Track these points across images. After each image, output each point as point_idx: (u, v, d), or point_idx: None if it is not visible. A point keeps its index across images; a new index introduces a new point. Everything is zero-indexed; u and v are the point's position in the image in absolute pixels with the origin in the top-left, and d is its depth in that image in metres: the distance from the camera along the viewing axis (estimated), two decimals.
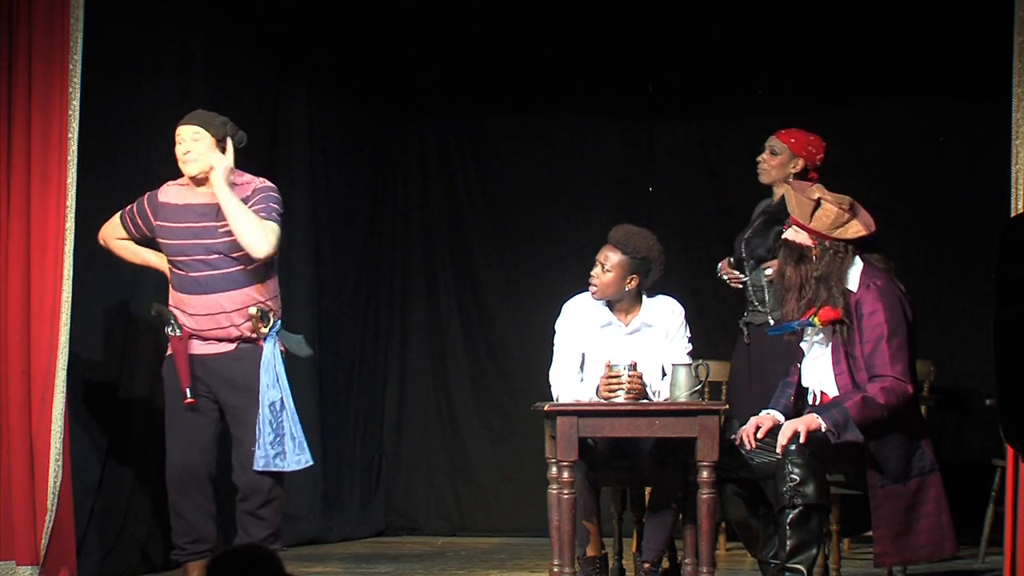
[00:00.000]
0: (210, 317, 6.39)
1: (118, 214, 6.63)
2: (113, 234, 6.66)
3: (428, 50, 9.10)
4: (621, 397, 6.22)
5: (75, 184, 6.56)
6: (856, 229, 5.99)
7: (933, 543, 5.95)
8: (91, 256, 6.85)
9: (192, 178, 6.47)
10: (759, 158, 7.02)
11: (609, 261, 6.43)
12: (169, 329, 6.45)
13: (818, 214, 5.99)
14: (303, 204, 8.66)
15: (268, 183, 6.52)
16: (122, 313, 7.40)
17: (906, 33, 8.49)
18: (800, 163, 6.94)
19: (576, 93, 9.09)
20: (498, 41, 9.06)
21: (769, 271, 6.83)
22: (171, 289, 6.51)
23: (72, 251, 6.54)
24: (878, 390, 5.83)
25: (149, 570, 7.37)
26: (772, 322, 6.82)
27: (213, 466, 6.52)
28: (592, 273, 6.46)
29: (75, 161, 6.57)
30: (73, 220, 6.55)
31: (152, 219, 6.52)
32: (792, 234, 6.04)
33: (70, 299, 6.54)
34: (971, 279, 8.39)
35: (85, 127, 6.62)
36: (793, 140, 6.95)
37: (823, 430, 5.81)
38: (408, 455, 9.33)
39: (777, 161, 6.96)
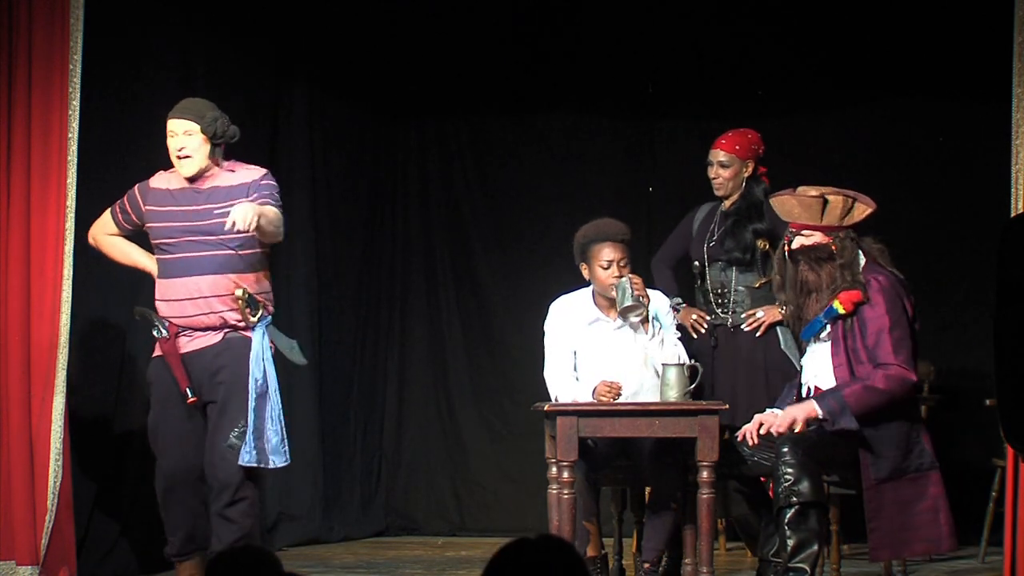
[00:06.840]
0: (192, 302, 6.23)
1: (108, 210, 6.50)
2: (103, 230, 6.49)
3: (428, 50, 9.10)
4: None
5: (75, 184, 6.57)
6: (862, 209, 6.04)
7: (928, 539, 5.95)
8: (91, 256, 6.85)
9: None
10: (712, 175, 6.92)
11: (625, 258, 6.42)
12: (155, 331, 6.32)
13: (828, 210, 6.01)
14: (303, 204, 8.65)
15: (263, 171, 6.42)
16: (122, 312, 7.39)
17: (905, 33, 8.49)
18: (751, 165, 6.89)
19: (576, 93, 9.09)
20: (498, 41, 9.05)
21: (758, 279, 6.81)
22: (157, 281, 6.36)
23: (72, 251, 6.55)
24: (881, 376, 5.85)
25: (149, 570, 7.36)
26: (732, 326, 6.82)
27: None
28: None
29: (75, 161, 6.57)
30: (73, 220, 6.55)
31: (142, 205, 6.38)
32: (805, 239, 6.03)
33: (70, 299, 6.54)
34: (971, 279, 8.39)
35: (85, 127, 6.62)
36: (737, 147, 6.86)
37: (820, 417, 5.82)
38: (408, 455, 9.32)
39: (730, 172, 6.89)
